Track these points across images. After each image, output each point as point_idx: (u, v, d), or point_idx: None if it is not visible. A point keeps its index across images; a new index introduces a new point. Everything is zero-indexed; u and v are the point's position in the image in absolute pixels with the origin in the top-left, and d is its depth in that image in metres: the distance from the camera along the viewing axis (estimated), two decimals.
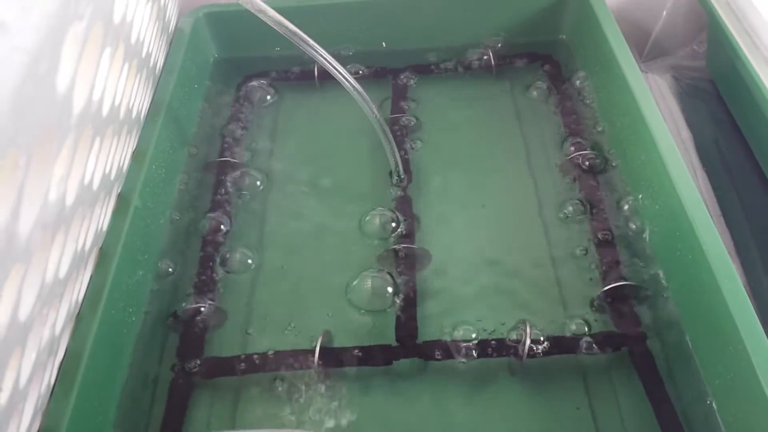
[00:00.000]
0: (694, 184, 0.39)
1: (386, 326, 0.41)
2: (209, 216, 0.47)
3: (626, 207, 0.45)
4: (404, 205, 0.47)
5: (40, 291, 0.25)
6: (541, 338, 0.39)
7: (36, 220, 0.23)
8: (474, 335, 0.40)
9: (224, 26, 0.57)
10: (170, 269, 0.44)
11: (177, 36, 0.54)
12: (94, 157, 0.31)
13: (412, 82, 0.57)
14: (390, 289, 0.42)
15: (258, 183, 0.50)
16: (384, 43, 0.59)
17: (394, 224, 0.45)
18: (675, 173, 0.39)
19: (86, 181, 0.31)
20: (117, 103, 0.35)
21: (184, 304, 0.42)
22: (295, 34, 0.39)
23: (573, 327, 0.40)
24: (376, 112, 0.43)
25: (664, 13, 0.60)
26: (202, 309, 0.42)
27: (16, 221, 0.21)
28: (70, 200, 0.28)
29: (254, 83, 0.56)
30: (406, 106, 0.54)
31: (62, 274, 0.29)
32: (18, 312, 0.23)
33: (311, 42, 0.40)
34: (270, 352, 0.39)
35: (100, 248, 0.38)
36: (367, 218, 0.46)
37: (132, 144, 0.43)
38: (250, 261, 0.45)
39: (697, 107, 0.54)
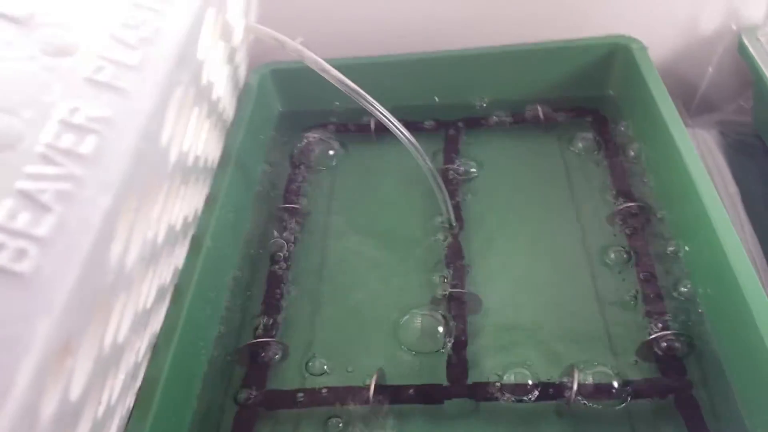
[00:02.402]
0: (738, 237, 0.40)
1: (438, 369, 0.43)
2: (273, 259, 0.50)
3: (672, 260, 0.46)
4: (455, 252, 0.49)
5: (134, 318, 0.29)
6: (589, 383, 0.40)
7: (138, 255, 0.26)
8: (522, 377, 0.41)
9: (288, 82, 0.62)
10: (237, 307, 0.47)
11: (245, 91, 0.58)
12: (180, 202, 0.35)
13: (463, 135, 0.59)
14: (441, 329, 0.44)
15: (317, 230, 0.53)
16: (437, 98, 0.62)
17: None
18: (719, 226, 0.40)
19: (172, 222, 0.34)
20: (198, 154, 0.39)
21: (248, 340, 0.45)
22: (353, 90, 0.43)
23: (620, 375, 0.41)
24: (429, 162, 0.46)
25: (710, 69, 0.62)
26: (266, 344, 0.44)
27: (127, 254, 0.25)
28: (160, 239, 0.31)
29: (316, 135, 0.60)
30: (458, 158, 0.57)
31: (149, 305, 0.32)
32: (118, 335, 0.26)
33: (368, 97, 0.43)
34: (327, 387, 0.41)
35: (176, 285, 0.42)
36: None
37: (205, 190, 0.47)
38: (309, 300, 0.48)
39: (743, 162, 0.55)
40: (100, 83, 0.24)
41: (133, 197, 0.23)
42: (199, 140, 0.39)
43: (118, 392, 0.30)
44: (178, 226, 0.37)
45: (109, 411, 0.30)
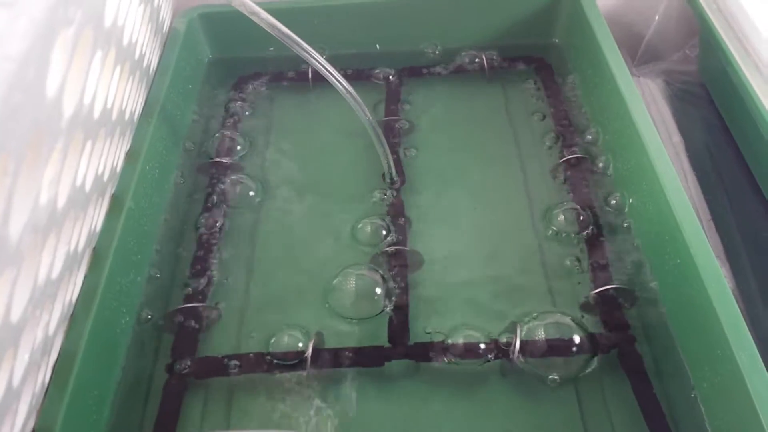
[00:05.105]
0: (682, 188, 0.39)
1: (378, 327, 0.41)
2: (203, 217, 0.47)
3: (616, 211, 0.45)
4: (397, 207, 0.47)
5: (33, 293, 0.26)
6: (531, 339, 0.39)
7: (26, 224, 0.23)
8: (465, 337, 0.40)
9: (218, 27, 0.58)
10: (164, 269, 0.44)
11: (171, 37, 0.54)
12: (86, 160, 0.32)
13: (405, 84, 0.57)
14: (379, 290, 0.42)
15: (252, 184, 0.50)
16: (378, 45, 0.59)
17: (384, 232, 0.46)
18: (664, 177, 0.40)
19: (78, 183, 0.31)
20: (109, 105, 0.35)
21: (177, 304, 0.42)
22: (287, 36, 0.40)
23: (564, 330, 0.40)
24: (368, 114, 0.44)
25: (657, 17, 0.61)
26: (196, 309, 0.42)
27: (6, 225, 0.21)
28: (61, 203, 0.28)
29: (250, 86, 0.56)
30: (400, 109, 0.55)
31: (55, 275, 0.29)
32: (10, 314, 0.24)
33: (304, 44, 0.40)
34: (263, 353, 0.39)
35: (94, 249, 0.38)
36: (359, 226, 0.46)
37: (125, 145, 0.44)
38: (243, 260, 0.45)
39: (688, 111, 0.54)
40: None
41: (6, 159, 0.20)
42: (109, 90, 0.35)
43: (22, 373, 0.27)
44: (89, 186, 0.33)
45: (12, 392, 0.27)
